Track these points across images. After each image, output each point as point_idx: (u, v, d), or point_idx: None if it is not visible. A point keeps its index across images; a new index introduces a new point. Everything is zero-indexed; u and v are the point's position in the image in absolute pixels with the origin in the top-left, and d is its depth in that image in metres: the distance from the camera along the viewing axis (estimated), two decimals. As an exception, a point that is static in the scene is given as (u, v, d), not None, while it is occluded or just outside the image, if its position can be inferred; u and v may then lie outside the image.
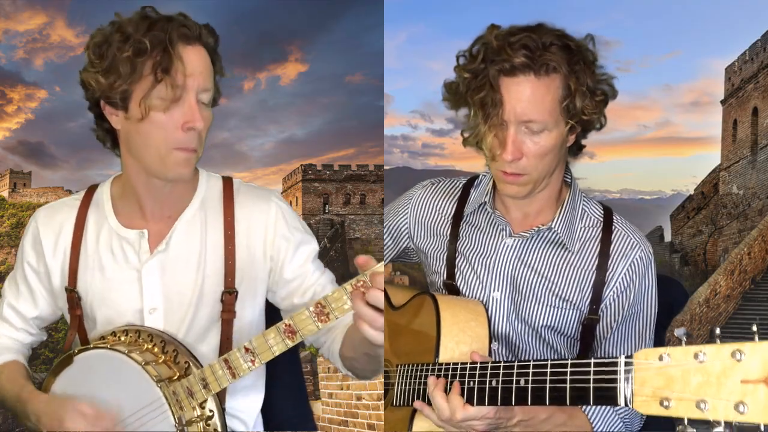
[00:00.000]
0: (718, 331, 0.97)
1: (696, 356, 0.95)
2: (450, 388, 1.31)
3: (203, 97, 1.36)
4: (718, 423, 0.93)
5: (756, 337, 0.92)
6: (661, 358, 0.99)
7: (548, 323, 1.52)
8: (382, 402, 1.49)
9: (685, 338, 0.99)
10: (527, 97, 1.34)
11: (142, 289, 1.46)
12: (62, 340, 1.72)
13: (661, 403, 0.97)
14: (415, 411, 1.40)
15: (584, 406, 1.44)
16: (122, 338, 1.43)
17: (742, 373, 0.91)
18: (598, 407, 1.44)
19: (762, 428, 0.90)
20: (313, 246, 1.54)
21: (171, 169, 1.37)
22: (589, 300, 1.50)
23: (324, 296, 1.26)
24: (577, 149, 1.52)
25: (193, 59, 1.34)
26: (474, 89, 1.36)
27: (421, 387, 1.38)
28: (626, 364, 1.04)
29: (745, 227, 24.72)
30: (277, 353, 1.31)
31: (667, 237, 32.08)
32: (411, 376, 1.43)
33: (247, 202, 1.50)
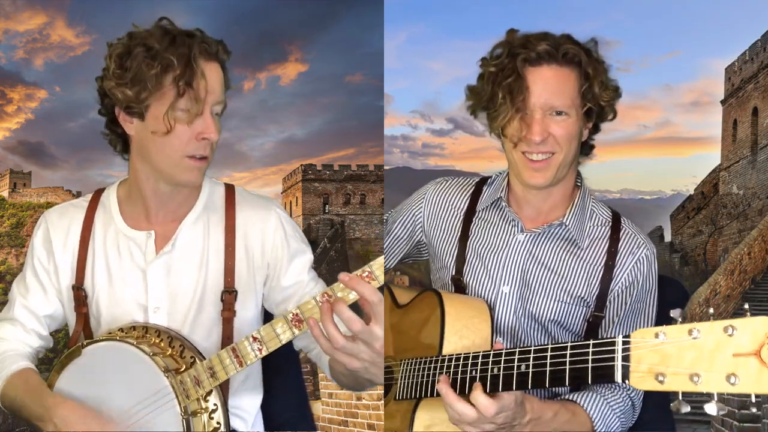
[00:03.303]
0: (711, 310, 1.02)
1: (690, 333, 1.00)
2: (466, 389, 1.31)
3: (216, 109, 1.44)
4: (711, 396, 0.97)
5: (748, 314, 0.96)
6: (656, 336, 1.03)
7: (555, 318, 1.56)
8: (382, 402, 1.51)
9: (680, 319, 1.02)
10: (551, 83, 1.44)
11: (147, 288, 1.50)
12: (62, 340, 1.72)
13: (657, 378, 1.02)
14: (417, 403, 1.43)
15: (585, 404, 1.47)
16: (130, 333, 1.47)
17: (734, 347, 0.96)
18: (596, 405, 1.48)
19: (753, 398, 0.95)
20: (308, 256, 1.58)
21: (183, 174, 1.44)
22: (596, 295, 1.54)
23: (331, 286, 1.30)
24: (588, 149, 1.59)
25: (212, 76, 1.41)
26: (501, 78, 1.44)
27: (424, 380, 1.41)
28: (624, 343, 1.08)
29: (745, 227, 24.73)
30: (284, 341, 1.35)
31: (667, 237, 32.09)
32: (414, 369, 1.45)
33: (248, 208, 1.56)
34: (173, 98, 1.37)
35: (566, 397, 1.50)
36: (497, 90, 1.44)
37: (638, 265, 1.54)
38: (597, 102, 1.47)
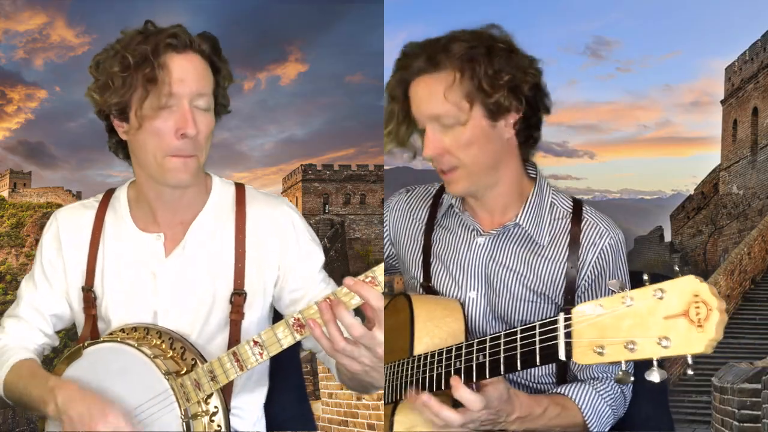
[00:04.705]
0: (645, 276, 1.01)
1: (624, 301, 1.00)
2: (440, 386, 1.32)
3: (199, 102, 1.39)
4: (651, 363, 0.97)
5: (647, 283, 0.98)
6: (594, 309, 1.04)
7: (523, 318, 1.54)
8: (382, 402, 1.51)
9: (619, 291, 1.02)
10: (426, 94, 1.41)
11: (156, 291, 1.49)
12: (61, 340, 1.72)
13: (596, 351, 1.03)
14: (395, 406, 1.43)
15: (574, 396, 1.47)
16: (131, 334, 1.46)
17: (665, 310, 0.96)
18: (586, 395, 1.48)
19: (689, 360, 0.95)
20: (320, 256, 1.57)
21: (168, 175, 1.41)
22: (562, 291, 1.51)
23: (333, 291, 1.29)
24: (528, 140, 1.51)
25: (183, 66, 1.37)
26: (391, 99, 1.48)
27: (399, 382, 1.42)
28: (565, 320, 1.09)
29: (745, 227, 24.72)
30: (285, 346, 1.34)
31: (667, 237, 32.11)
32: (391, 373, 1.46)
33: (259, 208, 1.54)
34: (142, 96, 1.35)
35: (556, 390, 1.50)
36: (390, 110, 1.47)
37: (602, 255, 1.50)
38: (484, 101, 1.39)
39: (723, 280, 15.95)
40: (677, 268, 0.98)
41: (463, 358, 1.28)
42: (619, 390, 1.52)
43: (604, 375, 1.51)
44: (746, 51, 27.63)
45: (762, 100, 26.38)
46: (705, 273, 22.49)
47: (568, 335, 1.08)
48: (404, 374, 1.41)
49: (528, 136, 1.49)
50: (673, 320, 0.94)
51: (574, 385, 1.49)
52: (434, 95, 1.40)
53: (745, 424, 5.83)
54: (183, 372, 1.39)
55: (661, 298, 0.96)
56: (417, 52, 1.41)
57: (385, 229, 1.76)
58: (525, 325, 1.52)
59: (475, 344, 1.27)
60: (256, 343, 1.35)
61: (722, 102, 29.96)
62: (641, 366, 1.01)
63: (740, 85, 27.98)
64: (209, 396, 1.40)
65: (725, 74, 29.79)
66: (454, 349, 1.31)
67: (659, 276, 1.68)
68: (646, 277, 1.00)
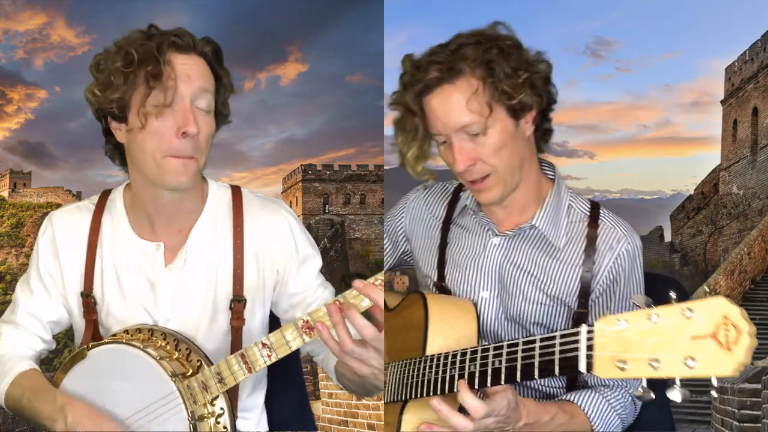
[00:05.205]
0: (672, 294, 0.99)
1: (650, 318, 0.99)
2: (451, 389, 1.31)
3: (200, 103, 1.38)
4: (674, 382, 0.96)
5: (708, 297, 0.95)
6: (618, 323, 1.02)
7: (537, 320, 1.53)
8: (382, 402, 1.50)
9: (644, 306, 1.01)
10: (449, 105, 1.37)
11: (156, 301, 1.48)
12: (61, 341, 1.70)
13: (618, 366, 1.01)
14: (404, 404, 1.43)
15: (583, 404, 1.46)
16: (136, 335, 1.45)
17: (692, 329, 0.95)
18: (595, 404, 1.46)
19: (714, 382, 0.94)
20: (317, 261, 1.55)
21: (167, 176, 1.37)
22: (577, 295, 1.49)
23: (343, 293, 1.28)
24: (545, 134, 1.50)
25: (186, 65, 1.36)
26: (404, 117, 1.43)
27: (409, 381, 1.41)
28: (588, 332, 1.07)
29: (745, 227, 24.73)
30: (293, 348, 1.33)
31: (667, 237, 32.10)
32: (400, 371, 1.45)
33: (256, 213, 1.52)
34: (145, 93, 1.33)
35: (564, 397, 1.49)
36: (414, 126, 1.41)
37: (619, 260, 1.48)
38: (506, 102, 1.37)
39: (723, 280, 15.96)
40: (707, 289, 0.96)
41: (478, 362, 1.27)
42: (630, 398, 1.50)
43: (615, 383, 1.49)
44: (746, 51, 27.64)
45: (762, 100, 26.38)
46: (705, 273, 22.53)
47: (589, 348, 1.07)
48: (415, 374, 1.40)
49: (545, 130, 1.49)
50: (701, 341, 0.93)
51: (583, 392, 1.48)
52: (458, 105, 1.36)
53: (745, 424, 5.83)
54: (189, 374, 1.38)
55: (689, 318, 0.95)
56: (428, 62, 1.37)
57: (400, 226, 1.73)
58: (539, 325, 1.51)
59: (491, 349, 1.25)
60: (264, 345, 1.33)
61: (722, 102, 29.97)
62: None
63: (740, 85, 27.99)
64: (215, 397, 1.39)
65: (725, 74, 29.80)
66: (469, 352, 1.30)
67: (660, 276, 1.68)
68: (673, 295, 0.99)
